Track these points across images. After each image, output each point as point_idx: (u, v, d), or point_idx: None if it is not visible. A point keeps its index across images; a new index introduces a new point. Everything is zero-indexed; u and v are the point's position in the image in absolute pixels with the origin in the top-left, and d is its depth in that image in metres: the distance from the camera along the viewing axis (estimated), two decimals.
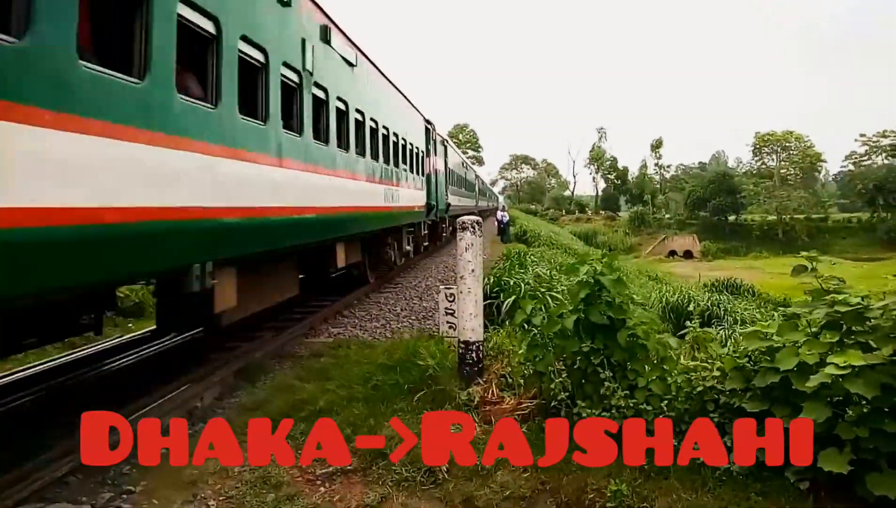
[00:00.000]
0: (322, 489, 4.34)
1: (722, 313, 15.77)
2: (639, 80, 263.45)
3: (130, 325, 12.09)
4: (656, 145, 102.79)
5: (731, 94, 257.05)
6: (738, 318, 15.08)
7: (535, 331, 5.02)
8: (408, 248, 16.77)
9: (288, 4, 7.51)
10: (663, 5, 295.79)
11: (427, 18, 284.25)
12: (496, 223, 31.67)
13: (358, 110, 11.02)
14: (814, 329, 4.06)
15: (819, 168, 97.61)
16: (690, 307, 13.86)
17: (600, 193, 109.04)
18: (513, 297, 9.30)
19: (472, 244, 5.75)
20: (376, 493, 4.22)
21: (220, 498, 4.23)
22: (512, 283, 10.53)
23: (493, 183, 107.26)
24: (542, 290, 9.14)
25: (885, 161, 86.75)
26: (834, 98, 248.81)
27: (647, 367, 4.54)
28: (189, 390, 6.21)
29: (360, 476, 4.46)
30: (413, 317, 10.80)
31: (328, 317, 10.52)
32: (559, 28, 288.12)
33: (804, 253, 4.48)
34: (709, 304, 16.25)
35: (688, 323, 5.51)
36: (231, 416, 5.69)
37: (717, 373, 4.46)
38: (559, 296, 8.29)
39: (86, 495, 4.26)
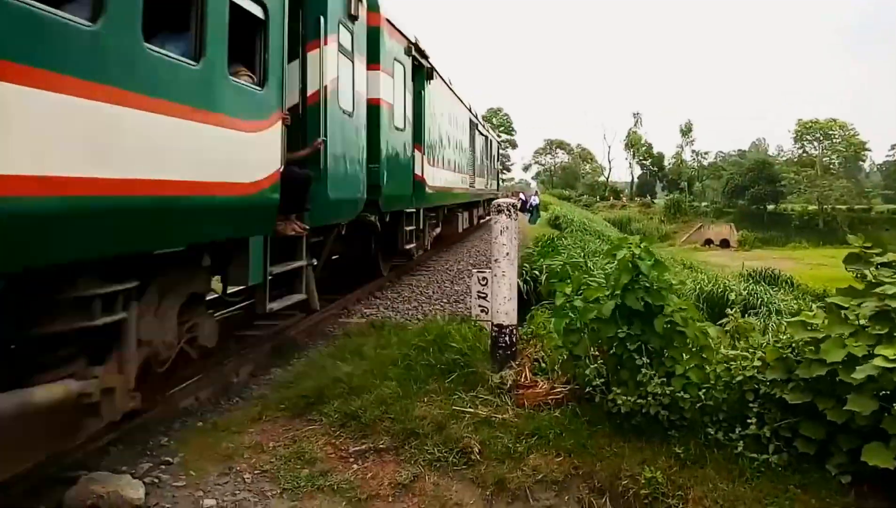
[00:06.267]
0: (355, 466, 4.38)
1: (758, 303, 15.51)
2: (680, 65, 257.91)
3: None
4: (686, 130, 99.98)
5: (775, 80, 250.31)
6: (774, 309, 14.82)
7: (573, 316, 4.93)
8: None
9: (478, 131, 23.86)
10: None
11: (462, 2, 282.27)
12: (528, 205, 37.31)
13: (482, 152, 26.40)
14: (862, 321, 3.94)
15: (863, 157, 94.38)
16: (733, 297, 13.58)
17: (636, 179, 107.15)
18: (547, 280, 9.19)
19: (508, 228, 5.67)
20: (408, 472, 4.25)
21: (256, 472, 4.29)
22: (545, 267, 10.45)
23: (527, 168, 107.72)
24: (579, 273, 9.00)
25: None
26: (882, 86, 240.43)
27: (685, 355, 4.45)
28: (226, 366, 6.32)
29: (393, 454, 4.49)
30: (444, 300, 10.82)
31: (361, 298, 10.59)
32: (599, 10, 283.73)
33: (851, 238, 4.35)
34: (745, 294, 15.97)
35: (728, 311, 5.37)
36: (266, 392, 5.78)
37: (757, 363, 4.35)
38: (593, 281, 8.16)
39: (126, 464, 4.36)
